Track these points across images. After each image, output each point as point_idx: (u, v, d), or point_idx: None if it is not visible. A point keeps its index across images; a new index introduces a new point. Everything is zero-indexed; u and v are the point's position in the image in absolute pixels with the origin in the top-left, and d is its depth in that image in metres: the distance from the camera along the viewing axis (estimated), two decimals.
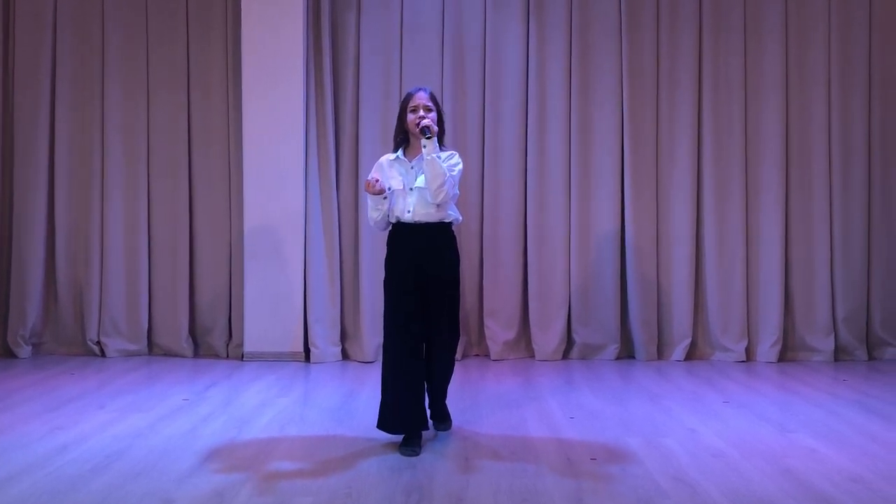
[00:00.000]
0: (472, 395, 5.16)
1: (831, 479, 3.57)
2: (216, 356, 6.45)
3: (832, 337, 6.37)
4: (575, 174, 6.43)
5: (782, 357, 6.37)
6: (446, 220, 4.14)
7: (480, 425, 4.46)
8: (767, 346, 6.36)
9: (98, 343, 6.45)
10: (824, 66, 6.42)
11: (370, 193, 4.06)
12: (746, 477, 3.59)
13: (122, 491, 3.39)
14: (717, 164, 6.42)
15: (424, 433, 4.10)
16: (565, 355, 6.45)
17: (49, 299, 6.55)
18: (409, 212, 4.08)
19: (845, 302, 6.40)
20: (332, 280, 6.35)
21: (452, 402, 4.54)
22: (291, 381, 5.60)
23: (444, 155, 4.10)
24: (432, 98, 4.14)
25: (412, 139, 4.16)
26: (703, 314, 6.47)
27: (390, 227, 4.20)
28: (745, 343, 6.38)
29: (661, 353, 6.43)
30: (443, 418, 4.35)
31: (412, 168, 4.13)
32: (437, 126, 4.08)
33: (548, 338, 6.42)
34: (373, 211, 4.16)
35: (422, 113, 4.06)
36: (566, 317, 6.45)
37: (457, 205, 4.27)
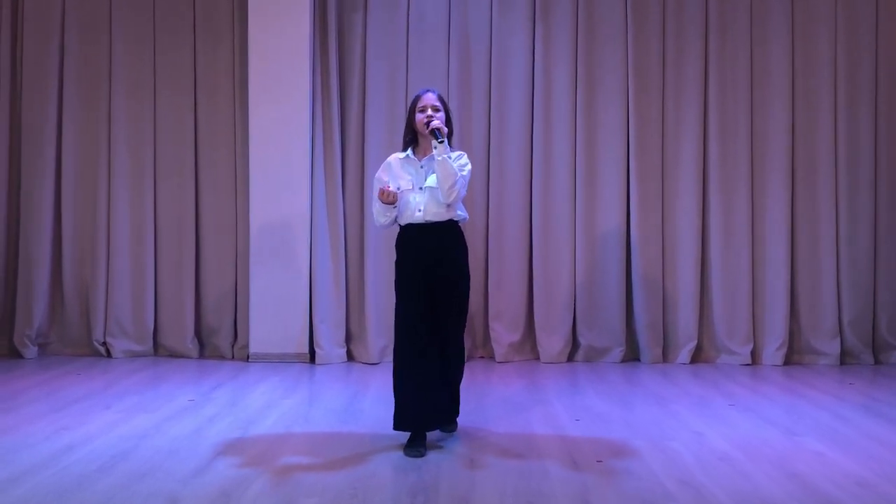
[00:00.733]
0: (477, 396, 5.15)
1: (837, 482, 3.55)
2: (222, 357, 6.47)
3: (838, 340, 6.36)
4: (580, 177, 6.43)
5: (788, 360, 6.36)
6: (455, 219, 4.16)
7: (486, 427, 4.45)
8: (773, 350, 6.35)
9: (104, 344, 6.46)
10: (830, 68, 6.41)
11: (383, 202, 4.06)
12: (752, 480, 3.58)
13: (128, 491, 3.39)
14: (722, 167, 6.42)
15: (429, 434, 4.09)
16: (570, 358, 6.44)
17: (55, 300, 6.57)
18: (420, 211, 4.09)
19: (851, 305, 6.38)
20: (338, 282, 6.36)
21: None
22: (297, 382, 5.60)
23: (453, 155, 4.11)
24: (440, 99, 4.17)
25: (420, 139, 4.18)
26: (709, 317, 6.46)
27: (399, 230, 4.20)
28: (750, 346, 6.37)
29: (666, 355, 6.42)
30: (450, 419, 4.34)
31: (422, 167, 4.14)
32: (446, 126, 4.11)
33: (553, 340, 6.41)
34: (380, 216, 4.16)
35: (430, 112, 4.08)
36: (571, 319, 6.45)
37: (462, 202, 4.27)
